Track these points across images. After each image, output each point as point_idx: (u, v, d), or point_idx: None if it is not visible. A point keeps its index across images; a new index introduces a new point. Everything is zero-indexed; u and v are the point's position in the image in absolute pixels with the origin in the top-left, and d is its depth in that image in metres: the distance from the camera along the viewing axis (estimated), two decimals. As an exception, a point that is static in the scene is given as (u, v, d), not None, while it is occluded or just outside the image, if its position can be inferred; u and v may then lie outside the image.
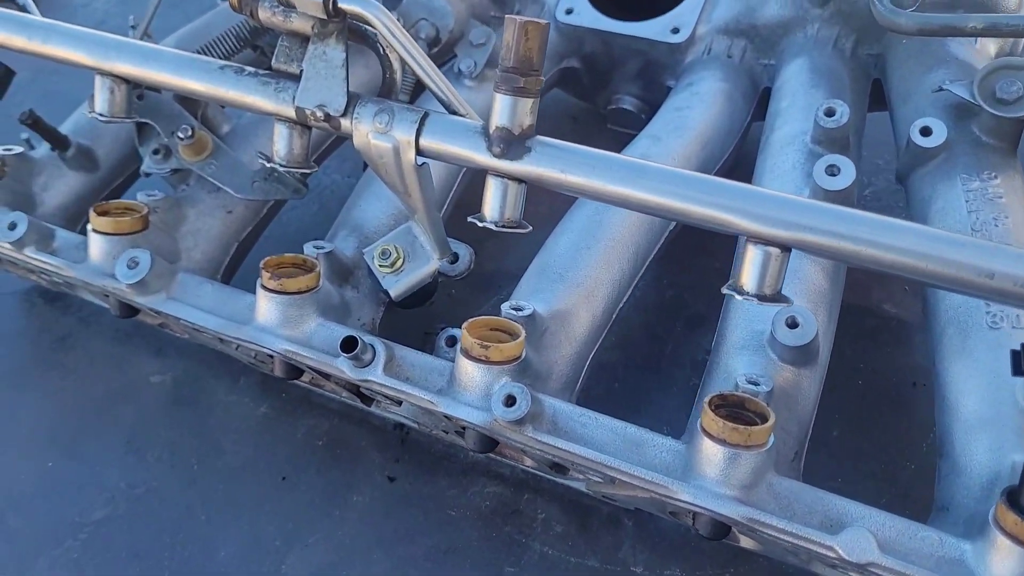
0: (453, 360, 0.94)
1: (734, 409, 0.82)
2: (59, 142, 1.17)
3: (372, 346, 0.91)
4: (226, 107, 1.17)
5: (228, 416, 1.15)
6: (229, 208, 1.16)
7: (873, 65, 1.20)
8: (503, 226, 0.84)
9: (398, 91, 0.91)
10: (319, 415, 1.14)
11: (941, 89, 1.00)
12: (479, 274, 1.27)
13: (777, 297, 0.76)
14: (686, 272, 1.27)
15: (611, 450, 0.84)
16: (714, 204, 0.75)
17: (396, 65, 0.90)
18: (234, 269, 1.18)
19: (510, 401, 0.85)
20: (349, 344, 0.89)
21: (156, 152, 1.12)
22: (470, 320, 0.90)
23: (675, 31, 1.28)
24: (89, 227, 1.05)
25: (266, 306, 0.96)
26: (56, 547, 1.03)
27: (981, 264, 0.69)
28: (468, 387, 0.88)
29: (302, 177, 1.10)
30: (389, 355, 0.92)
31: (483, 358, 0.87)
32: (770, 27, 1.25)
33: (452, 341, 1.00)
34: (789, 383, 0.89)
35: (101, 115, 1.00)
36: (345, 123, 0.88)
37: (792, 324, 0.87)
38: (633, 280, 1.04)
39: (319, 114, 0.88)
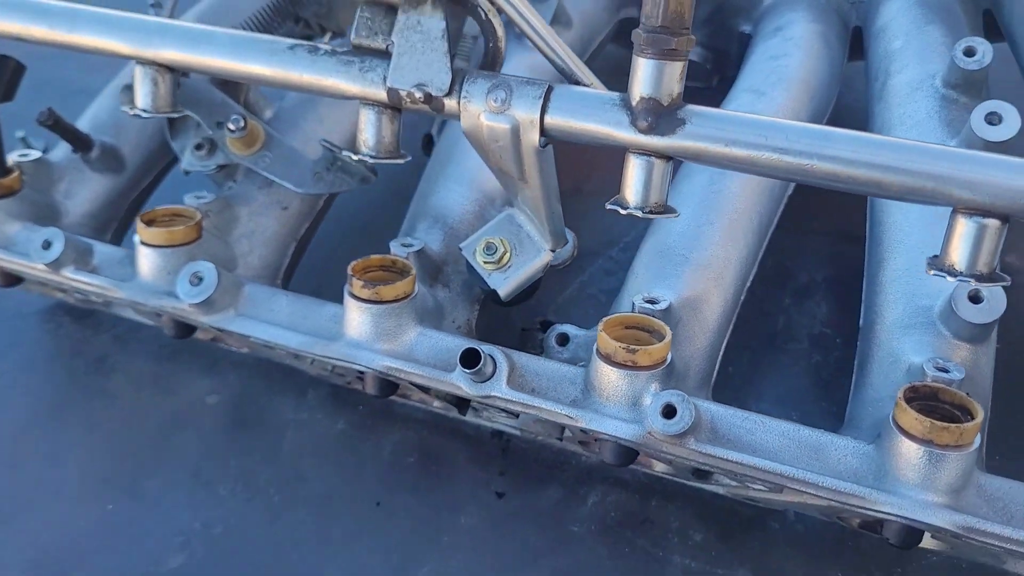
0: (569, 361, 0.84)
1: (927, 402, 0.72)
2: (81, 143, 1.03)
3: (492, 357, 0.80)
4: (275, 89, 1.04)
5: (302, 437, 1.03)
6: (284, 204, 1.02)
7: (982, -6, 1.09)
8: (649, 211, 0.72)
9: (503, 62, 0.78)
10: (405, 428, 1.02)
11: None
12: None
13: (994, 276, 0.65)
14: (785, 236, 1.16)
15: (787, 458, 0.74)
16: (918, 172, 0.64)
17: (500, 32, 0.77)
18: (292, 271, 1.05)
19: (669, 412, 0.74)
20: (470, 358, 0.78)
21: (199, 147, 0.98)
22: (605, 319, 0.78)
23: (752, -30, 1.16)
24: (136, 240, 0.91)
25: (359, 318, 0.84)
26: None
27: None
28: (612, 397, 0.77)
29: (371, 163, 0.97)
30: (511, 365, 0.80)
31: (630, 363, 0.76)
32: (861, -40, 1.14)
33: (564, 339, 0.89)
34: (968, 364, 0.79)
35: (145, 111, 0.86)
36: (450, 103, 0.75)
37: (976, 298, 0.77)
38: (758, 254, 0.94)
39: (417, 95, 0.75)
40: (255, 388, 1.08)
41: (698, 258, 0.88)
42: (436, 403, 0.96)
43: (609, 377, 0.76)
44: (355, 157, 0.79)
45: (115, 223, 1.09)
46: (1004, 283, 0.65)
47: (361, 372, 0.95)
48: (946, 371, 0.74)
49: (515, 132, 0.74)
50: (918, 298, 0.82)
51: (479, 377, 0.79)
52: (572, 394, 0.79)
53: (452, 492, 0.97)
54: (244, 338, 0.92)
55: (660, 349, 0.76)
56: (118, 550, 0.95)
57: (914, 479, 0.69)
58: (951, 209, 0.65)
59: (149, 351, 1.13)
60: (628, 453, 0.81)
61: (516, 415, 0.88)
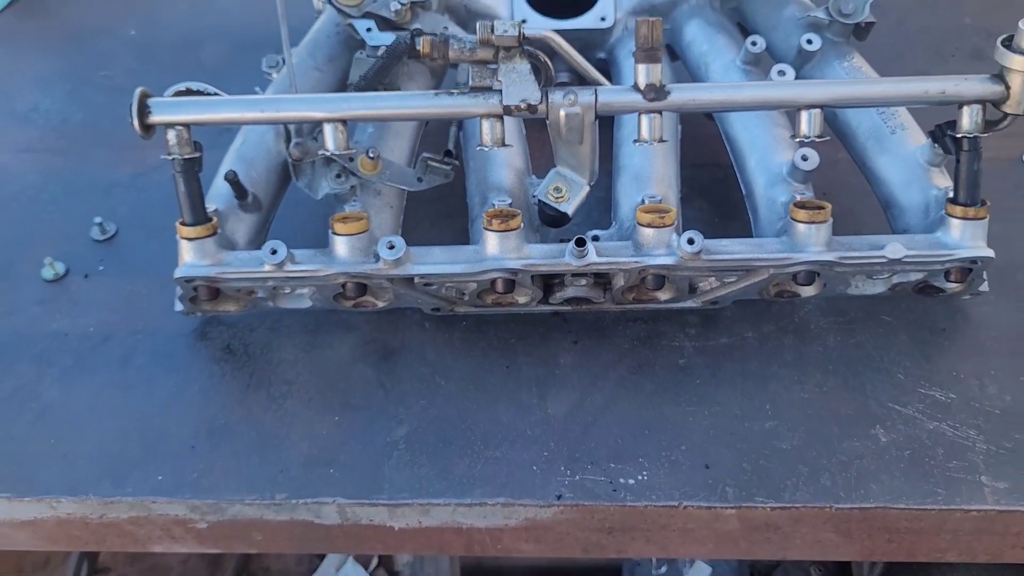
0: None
1: (802, 208, 1.46)
2: (243, 193, 1.53)
3: (586, 241, 1.43)
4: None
5: (436, 348, 1.58)
6: (391, 204, 1.59)
7: (734, 11, 1.90)
8: (656, 141, 1.41)
9: (555, 81, 1.43)
10: (497, 327, 1.60)
11: (808, 16, 1.71)
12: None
13: (822, 135, 1.41)
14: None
15: (751, 251, 1.44)
16: (788, 94, 1.38)
17: (551, 65, 1.42)
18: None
19: (691, 241, 1.42)
20: (581, 242, 1.41)
21: (338, 176, 1.52)
22: (637, 211, 1.45)
23: (603, 19, 1.89)
24: (334, 233, 1.43)
25: (497, 243, 1.43)
26: (387, 461, 1.43)
27: (890, 91, 1.40)
28: (655, 246, 1.43)
29: (451, 163, 1.56)
30: (595, 246, 1.44)
31: (661, 224, 1.43)
32: (664, 5, 1.90)
33: (596, 238, 1.54)
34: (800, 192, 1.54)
35: (335, 151, 1.41)
36: (541, 107, 1.39)
37: (804, 157, 1.52)
38: (680, 173, 1.64)
39: (522, 106, 1.38)
40: (389, 330, 1.61)
41: (657, 177, 1.57)
42: (521, 300, 1.56)
43: (651, 235, 1.42)
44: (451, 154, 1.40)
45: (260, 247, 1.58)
46: (827, 138, 1.41)
47: (461, 297, 1.54)
48: (803, 194, 1.49)
49: (582, 116, 1.39)
50: (772, 169, 1.57)
51: (582, 254, 1.43)
52: (630, 253, 1.44)
53: (547, 349, 1.57)
54: (408, 284, 1.47)
55: (673, 214, 1.44)
56: (358, 436, 1.46)
57: (809, 243, 1.42)
58: (798, 109, 1.39)
59: (298, 331, 1.62)
60: (661, 279, 1.48)
61: (584, 283, 1.51)
